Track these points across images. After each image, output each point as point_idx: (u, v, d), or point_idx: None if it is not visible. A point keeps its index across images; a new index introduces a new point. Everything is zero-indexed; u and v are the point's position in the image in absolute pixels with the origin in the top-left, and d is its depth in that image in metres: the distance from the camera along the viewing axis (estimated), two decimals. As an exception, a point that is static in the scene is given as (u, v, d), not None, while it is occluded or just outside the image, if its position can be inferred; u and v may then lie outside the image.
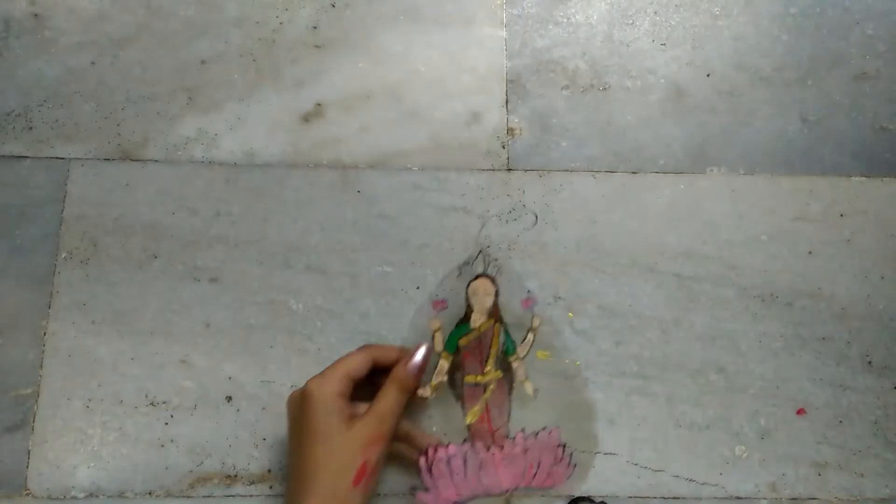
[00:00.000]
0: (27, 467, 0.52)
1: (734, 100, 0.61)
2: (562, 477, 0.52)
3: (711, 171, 0.59)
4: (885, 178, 0.60)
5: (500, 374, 0.52)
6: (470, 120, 0.60)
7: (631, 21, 0.63)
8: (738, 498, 0.53)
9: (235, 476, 0.52)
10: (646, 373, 0.55)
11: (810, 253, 0.58)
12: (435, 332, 0.53)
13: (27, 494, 0.52)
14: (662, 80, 0.61)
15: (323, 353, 0.55)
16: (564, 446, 0.52)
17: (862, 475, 0.54)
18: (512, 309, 0.54)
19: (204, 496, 0.52)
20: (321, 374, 0.46)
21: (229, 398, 0.54)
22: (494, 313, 0.53)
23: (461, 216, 0.58)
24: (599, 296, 0.56)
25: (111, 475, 0.52)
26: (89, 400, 0.53)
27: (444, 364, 0.51)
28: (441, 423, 0.53)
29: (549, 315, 0.55)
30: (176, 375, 0.54)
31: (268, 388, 0.54)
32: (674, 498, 0.53)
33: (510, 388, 0.53)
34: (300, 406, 0.46)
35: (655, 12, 0.63)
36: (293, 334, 0.55)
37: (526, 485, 0.51)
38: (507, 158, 0.59)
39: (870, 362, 0.56)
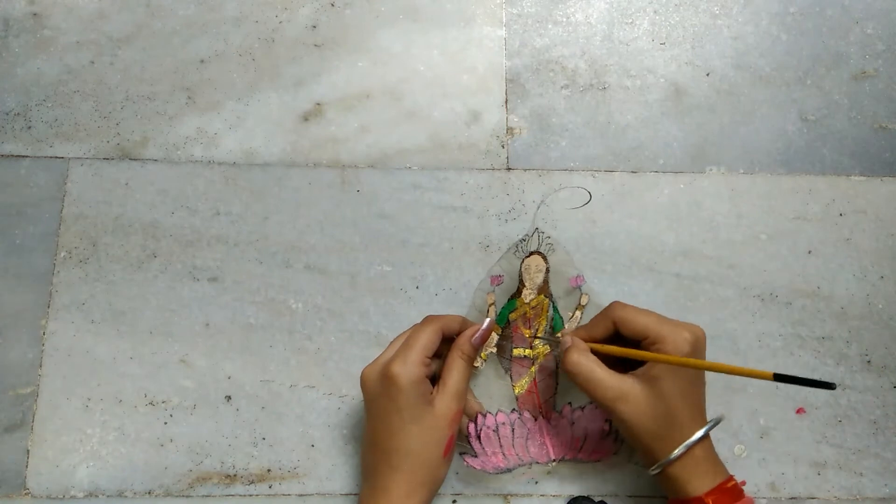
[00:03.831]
0: (26, 467, 0.52)
1: (733, 99, 0.61)
2: (609, 451, 0.52)
3: (711, 170, 0.59)
4: (884, 178, 0.60)
5: (547, 348, 0.54)
6: (469, 119, 0.60)
7: (630, 20, 0.63)
8: (738, 497, 0.53)
9: (235, 475, 0.52)
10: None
11: (809, 252, 0.58)
12: (490, 305, 0.55)
13: (26, 494, 0.52)
14: (662, 80, 0.61)
15: (322, 352, 0.55)
16: (611, 422, 0.52)
17: (861, 474, 0.54)
18: (561, 286, 0.56)
19: (203, 496, 0.52)
20: (401, 356, 0.46)
21: (229, 398, 0.54)
22: (544, 289, 0.55)
23: (461, 215, 0.58)
24: (599, 295, 0.56)
25: (110, 475, 0.52)
26: (88, 399, 0.53)
27: (494, 336, 0.54)
28: (490, 393, 0.54)
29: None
30: (175, 375, 0.54)
31: (267, 388, 0.54)
32: (673, 497, 0.53)
33: (557, 363, 0.54)
34: (383, 387, 0.46)
35: (655, 11, 0.63)
36: (293, 333, 0.55)
37: (573, 456, 0.52)
38: (507, 158, 0.59)
39: (869, 362, 0.56)
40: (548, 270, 0.55)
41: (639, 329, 0.47)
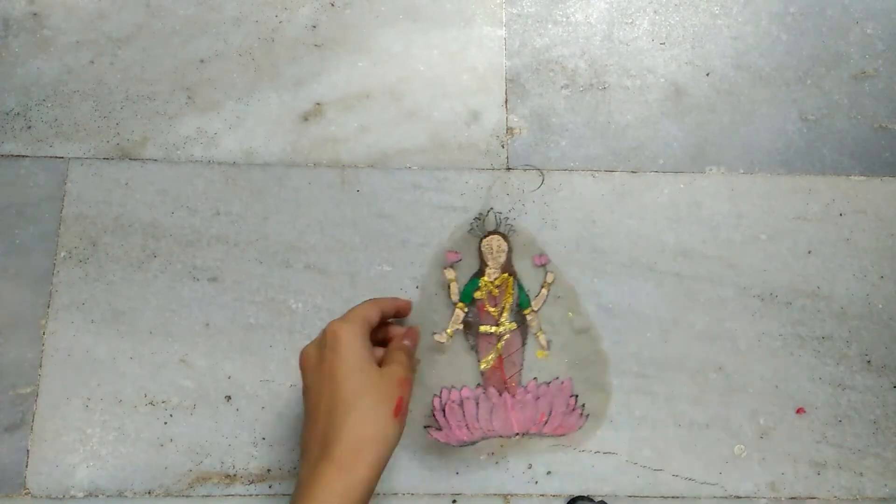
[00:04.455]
0: (26, 467, 0.52)
1: (733, 99, 0.61)
2: (573, 426, 0.53)
3: (711, 170, 0.59)
4: (884, 178, 0.60)
5: (514, 325, 0.55)
6: (469, 119, 0.60)
7: (630, 20, 0.63)
8: (738, 497, 0.53)
9: (235, 475, 0.52)
10: (645, 372, 0.55)
11: (809, 252, 0.58)
12: (450, 281, 0.56)
13: (26, 494, 0.51)
14: (662, 80, 0.61)
15: (322, 352, 0.55)
16: (577, 396, 0.53)
17: (861, 474, 0.54)
18: (525, 265, 0.56)
19: (203, 496, 0.52)
20: (340, 318, 0.46)
21: (228, 397, 0.54)
22: (507, 268, 0.56)
23: (461, 215, 0.58)
24: (599, 295, 0.56)
25: (110, 474, 0.52)
26: (88, 399, 0.53)
27: (459, 314, 0.55)
28: (455, 370, 0.54)
29: (550, 315, 0.55)
30: (175, 375, 0.54)
31: (267, 388, 0.54)
32: (673, 497, 0.53)
33: (524, 340, 0.55)
34: (326, 347, 0.44)
35: (655, 11, 0.63)
36: (292, 333, 0.55)
37: (537, 430, 0.52)
38: (507, 158, 0.59)
39: (869, 361, 0.56)
40: (510, 250, 0.56)
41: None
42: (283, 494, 0.52)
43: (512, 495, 0.52)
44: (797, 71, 0.62)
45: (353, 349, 0.44)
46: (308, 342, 0.54)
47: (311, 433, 0.44)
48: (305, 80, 0.60)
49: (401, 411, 0.44)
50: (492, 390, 0.53)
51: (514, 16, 0.62)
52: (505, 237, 0.57)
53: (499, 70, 0.61)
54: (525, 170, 0.59)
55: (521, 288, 0.56)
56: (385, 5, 0.62)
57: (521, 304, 0.55)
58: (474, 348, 0.55)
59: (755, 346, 0.56)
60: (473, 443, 0.52)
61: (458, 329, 0.55)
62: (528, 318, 0.55)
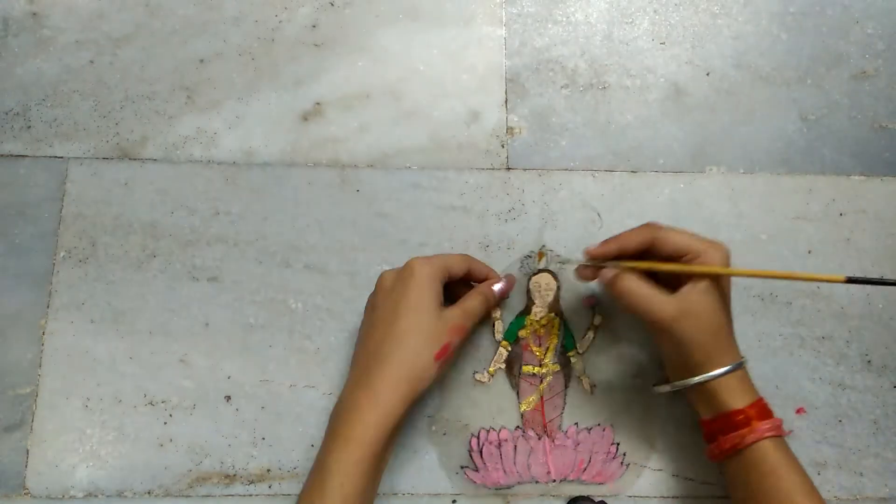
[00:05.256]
0: (26, 467, 0.52)
1: (734, 99, 0.61)
2: (612, 476, 0.52)
3: (711, 170, 0.59)
4: (884, 178, 0.60)
5: (557, 367, 0.54)
6: (469, 119, 0.60)
7: (630, 20, 0.63)
8: (738, 497, 0.53)
9: (234, 475, 0.52)
10: (646, 372, 0.55)
11: (810, 252, 0.58)
12: (495, 319, 0.55)
13: (26, 494, 0.51)
14: (662, 80, 0.61)
15: (322, 352, 0.55)
16: (618, 445, 0.52)
17: (861, 474, 0.54)
18: (573, 306, 0.56)
19: (203, 496, 0.52)
20: (424, 257, 0.48)
21: (228, 397, 0.54)
22: (555, 307, 0.55)
23: (460, 215, 0.57)
24: (599, 295, 0.56)
25: (110, 475, 0.52)
26: (88, 399, 0.53)
27: (502, 352, 0.54)
28: (495, 410, 0.54)
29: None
30: (175, 375, 0.54)
31: (267, 388, 0.54)
32: (673, 497, 0.53)
33: (566, 383, 0.54)
34: (399, 277, 0.48)
35: (655, 11, 0.63)
36: (292, 333, 0.55)
37: (575, 478, 0.52)
38: (507, 158, 0.59)
39: (869, 361, 0.56)
40: (559, 289, 0.55)
41: (680, 246, 0.47)
42: (283, 494, 0.52)
43: (512, 495, 0.52)
44: (797, 71, 0.62)
45: (419, 288, 0.47)
46: (308, 342, 0.55)
47: (361, 352, 0.48)
48: (305, 80, 0.60)
49: (443, 357, 0.46)
50: (530, 433, 0.52)
51: (514, 16, 0.62)
52: (555, 276, 0.56)
53: (499, 70, 0.61)
54: (524, 170, 0.59)
55: (567, 329, 0.55)
56: (385, 5, 0.62)
57: (567, 346, 0.54)
58: (516, 388, 0.54)
59: (755, 346, 0.56)
60: (510, 486, 0.51)
61: (500, 368, 0.54)
62: (573, 360, 0.54)
